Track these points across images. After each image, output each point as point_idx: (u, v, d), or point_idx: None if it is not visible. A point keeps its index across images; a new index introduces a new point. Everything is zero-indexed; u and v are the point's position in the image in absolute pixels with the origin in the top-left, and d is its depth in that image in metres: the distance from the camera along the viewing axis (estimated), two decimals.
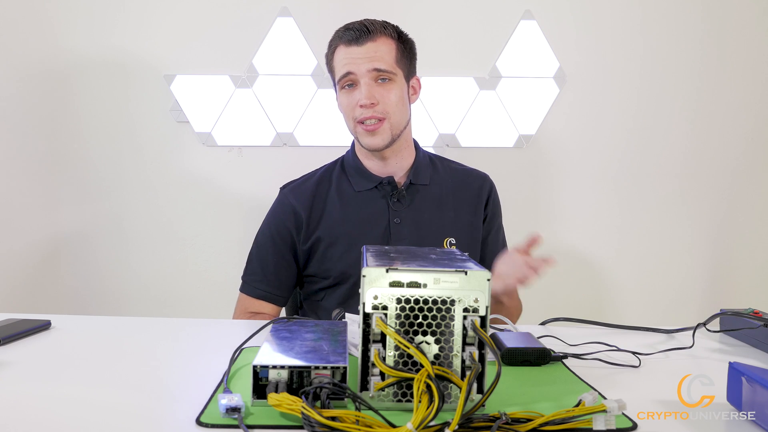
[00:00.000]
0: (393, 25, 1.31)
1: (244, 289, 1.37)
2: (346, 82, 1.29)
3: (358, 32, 1.26)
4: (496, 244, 1.43)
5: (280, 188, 1.43)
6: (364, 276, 0.67)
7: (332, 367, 0.67)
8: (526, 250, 1.17)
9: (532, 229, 2.04)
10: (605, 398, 0.70)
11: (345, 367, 0.68)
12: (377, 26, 1.28)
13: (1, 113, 2.00)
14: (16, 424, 0.64)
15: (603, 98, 2.06)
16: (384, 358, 0.67)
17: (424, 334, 0.68)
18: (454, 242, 1.34)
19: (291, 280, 1.38)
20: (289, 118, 2.03)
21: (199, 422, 0.63)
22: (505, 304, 1.31)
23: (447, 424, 0.58)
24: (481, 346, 0.67)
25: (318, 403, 0.63)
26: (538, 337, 0.96)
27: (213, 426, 0.62)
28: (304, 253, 1.35)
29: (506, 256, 1.20)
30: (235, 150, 2.04)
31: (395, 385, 0.67)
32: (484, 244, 1.41)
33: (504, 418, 0.61)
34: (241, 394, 0.66)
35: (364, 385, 0.67)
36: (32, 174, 2.03)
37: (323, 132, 2.03)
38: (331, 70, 1.34)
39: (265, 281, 1.35)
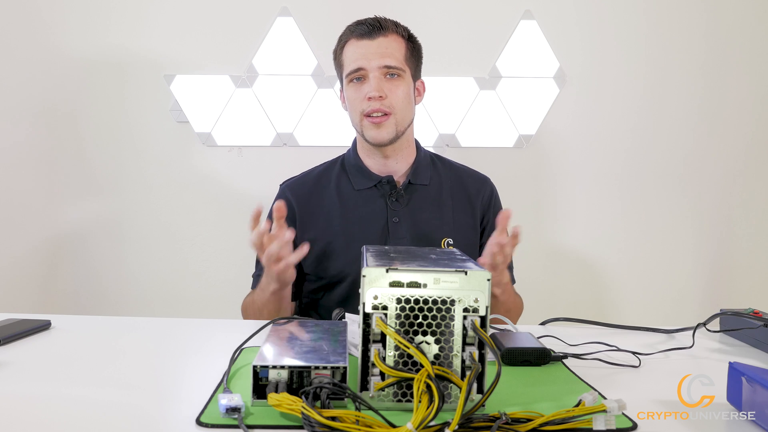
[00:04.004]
0: (403, 26, 1.35)
1: (253, 285, 1.38)
2: (355, 76, 1.30)
3: (371, 27, 1.29)
4: None
5: (280, 185, 1.44)
6: (364, 276, 0.67)
7: (332, 367, 0.67)
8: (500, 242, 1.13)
9: (532, 230, 2.06)
10: (605, 398, 0.70)
11: (345, 367, 0.68)
12: (389, 23, 1.31)
13: (2, 114, 2.01)
14: (16, 424, 0.64)
15: (603, 98, 2.06)
16: (384, 358, 0.67)
17: (424, 334, 0.67)
18: (452, 242, 1.34)
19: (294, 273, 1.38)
20: (289, 118, 2.03)
21: (199, 422, 0.63)
22: (498, 298, 1.29)
23: (447, 424, 0.58)
24: (481, 346, 0.67)
25: (318, 403, 0.63)
26: (538, 337, 0.96)
27: (213, 426, 0.62)
28: None
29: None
30: (235, 150, 2.04)
31: (395, 385, 0.67)
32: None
33: (504, 418, 0.61)
34: (241, 394, 0.66)
35: (364, 385, 0.67)
36: (33, 174, 2.03)
37: (323, 132, 2.03)
38: (339, 64, 1.35)
39: None
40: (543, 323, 1.15)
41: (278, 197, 1.41)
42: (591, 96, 2.06)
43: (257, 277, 1.37)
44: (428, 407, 0.59)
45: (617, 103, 2.06)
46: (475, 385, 0.67)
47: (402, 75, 1.30)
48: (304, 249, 1.10)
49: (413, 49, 1.34)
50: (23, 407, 0.69)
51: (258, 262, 1.39)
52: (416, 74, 1.37)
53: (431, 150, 1.48)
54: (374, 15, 1.33)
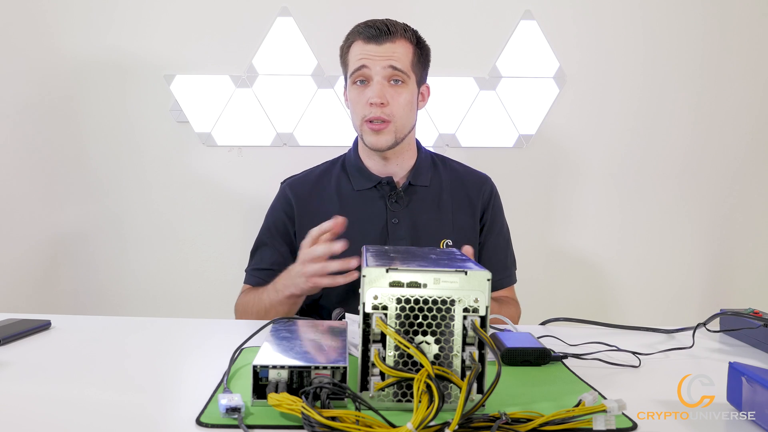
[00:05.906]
0: (413, 30, 1.33)
1: (247, 280, 1.39)
2: (358, 77, 1.29)
3: (379, 30, 1.27)
4: (495, 250, 1.41)
5: (281, 183, 1.44)
6: (364, 276, 0.67)
7: (332, 367, 0.67)
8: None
9: (531, 230, 2.06)
10: (605, 398, 0.70)
11: (345, 367, 0.68)
12: (398, 28, 1.30)
13: (2, 114, 2.00)
14: (16, 424, 0.64)
15: (603, 98, 2.06)
16: (384, 358, 0.67)
17: (424, 334, 0.67)
18: (451, 243, 1.34)
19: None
20: (289, 118, 2.03)
21: (199, 422, 0.63)
22: None
23: (447, 424, 0.58)
24: (481, 346, 0.67)
25: (318, 403, 0.63)
26: (538, 337, 0.96)
27: (213, 426, 0.62)
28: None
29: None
30: (235, 150, 2.04)
31: (395, 385, 0.67)
32: (482, 249, 1.40)
33: (504, 418, 0.61)
34: (241, 394, 0.66)
35: (364, 385, 0.67)
36: (33, 174, 2.03)
37: (323, 132, 2.03)
38: (344, 63, 1.35)
39: (265, 272, 1.36)
40: (543, 323, 1.15)
41: (278, 196, 1.41)
42: (591, 96, 2.05)
43: (254, 272, 1.37)
44: (428, 407, 0.59)
45: (617, 103, 2.06)
46: (475, 385, 0.67)
47: (407, 81, 1.29)
48: (354, 275, 1.06)
49: (420, 54, 1.33)
50: (23, 407, 0.69)
51: (254, 256, 1.39)
52: (422, 79, 1.36)
53: (432, 150, 1.48)
54: (385, 17, 1.31)
